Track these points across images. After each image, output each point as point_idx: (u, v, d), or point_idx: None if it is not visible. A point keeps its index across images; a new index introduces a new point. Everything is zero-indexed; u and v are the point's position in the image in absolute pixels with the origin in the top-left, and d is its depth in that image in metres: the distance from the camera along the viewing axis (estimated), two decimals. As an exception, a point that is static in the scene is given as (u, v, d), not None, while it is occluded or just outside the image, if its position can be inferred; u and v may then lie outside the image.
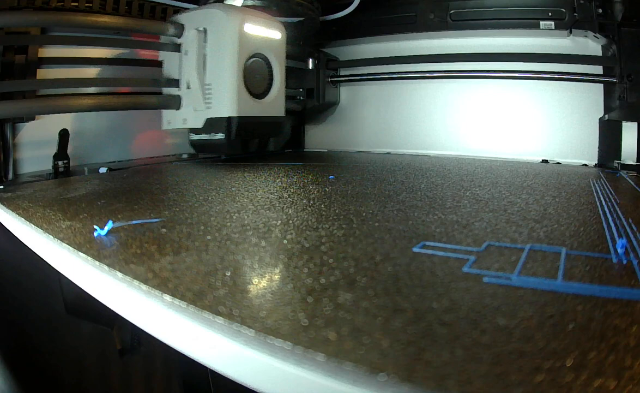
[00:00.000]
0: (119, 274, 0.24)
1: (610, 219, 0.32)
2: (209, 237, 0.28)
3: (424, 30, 0.98)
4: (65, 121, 0.72)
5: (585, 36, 0.85)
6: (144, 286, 0.22)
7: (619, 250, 0.25)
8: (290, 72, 0.94)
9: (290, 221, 0.31)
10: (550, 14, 0.86)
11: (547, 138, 0.90)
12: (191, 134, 0.74)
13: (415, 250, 0.26)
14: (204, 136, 0.72)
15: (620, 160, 0.82)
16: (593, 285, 0.21)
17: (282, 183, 0.49)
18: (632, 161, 0.81)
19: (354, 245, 0.26)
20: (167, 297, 0.21)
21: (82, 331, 0.52)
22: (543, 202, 0.37)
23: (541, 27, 0.87)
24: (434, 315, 0.18)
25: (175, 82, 0.73)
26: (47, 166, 0.69)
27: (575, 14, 0.84)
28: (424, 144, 1.01)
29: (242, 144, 0.76)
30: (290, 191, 0.43)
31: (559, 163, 0.86)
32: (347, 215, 0.33)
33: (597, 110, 0.86)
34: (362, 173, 0.58)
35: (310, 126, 1.17)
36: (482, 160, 0.82)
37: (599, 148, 0.87)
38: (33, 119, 0.72)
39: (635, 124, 0.82)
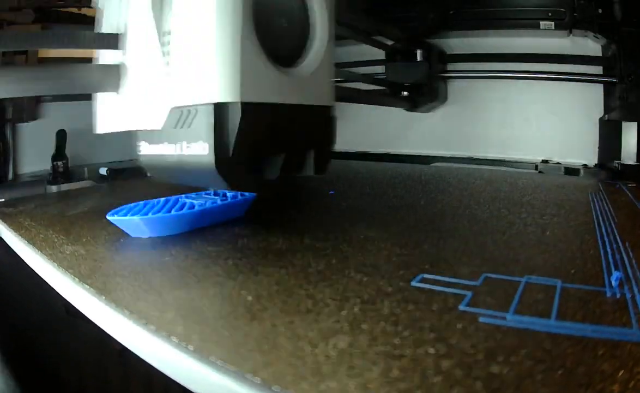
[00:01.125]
0: (127, 311, 0.25)
1: (607, 242, 0.32)
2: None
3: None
4: (64, 121, 0.72)
5: (585, 36, 0.85)
6: (152, 326, 0.23)
7: (614, 283, 0.26)
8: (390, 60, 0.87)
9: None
10: (550, 14, 0.86)
11: (547, 138, 0.90)
12: (141, 143, 0.38)
13: (414, 284, 0.26)
14: (166, 149, 0.35)
15: (620, 160, 0.82)
16: (585, 325, 0.22)
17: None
18: (632, 161, 0.81)
19: (350, 276, 0.27)
20: (174, 339, 0.21)
21: (82, 332, 0.53)
22: (541, 222, 0.38)
23: (541, 27, 0.87)
24: (431, 360, 0.19)
25: (112, 40, 0.38)
26: (47, 166, 0.69)
27: (575, 14, 0.84)
28: (425, 145, 1.01)
29: (251, 168, 0.36)
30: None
31: (558, 163, 0.87)
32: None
33: (597, 110, 0.86)
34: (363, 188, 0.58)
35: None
36: (482, 169, 0.83)
37: (599, 147, 0.87)
38: (33, 119, 0.72)
39: (635, 124, 0.82)
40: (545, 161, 0.88)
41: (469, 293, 0.25)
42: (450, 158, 0.98)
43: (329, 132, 0.42)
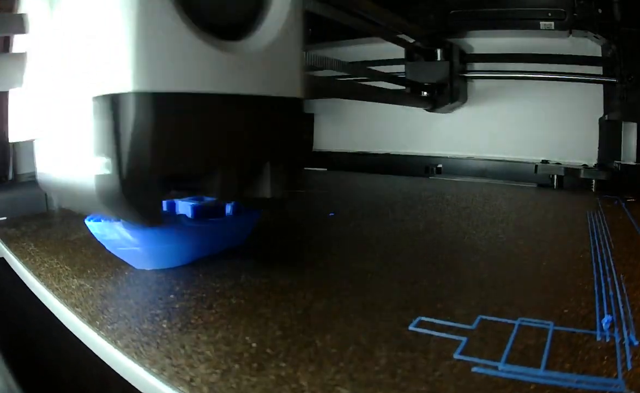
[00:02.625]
0: (135, 356, 0.26)
1: (602, 275, 0.33)
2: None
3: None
4: None
5: (585, 36, 0.85)
6: (164, 375, 0.24)
7: (604, 326, 0.26)
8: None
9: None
10: (550, 14, 0.85)
11: (547, 138, 0.91)
12: (37, 156, 0.30)
13: (411, 328, 0.27)
14: (56, 167, 0.28)
15: (620, 160, 0.83)
16: (572, 375, 0.23)
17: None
18: (632, 161, 0.82)
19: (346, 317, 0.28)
20: (184, 389, 0.23)
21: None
22: (539, 251, 0.39)
23: (541, 28, 0.87)
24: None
25: (18, 23, 0.28)
26: None
27: (575, 14, 0.84)
28: (425, 145, 1.02)
29: (163, 192, 0.30)
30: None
31: (558, 163, 0.87)
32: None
33: (597, 110, 0.86)
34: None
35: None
36: (480, 184, 0.83)
37: (599, 148, 0.87)
38: None
39: (635, 124, 0.82)
40: (545, 161, 0.88)
41: (464, 339, 0.26)
42: (450, 158, 0.98)
43: (295, 135, 0.30)
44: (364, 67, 0.91)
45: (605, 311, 0.28)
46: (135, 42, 0.21)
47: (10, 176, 0.70)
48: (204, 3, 0.23)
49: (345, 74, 0.93)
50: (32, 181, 0.67)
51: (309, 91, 0.29)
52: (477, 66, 0.94)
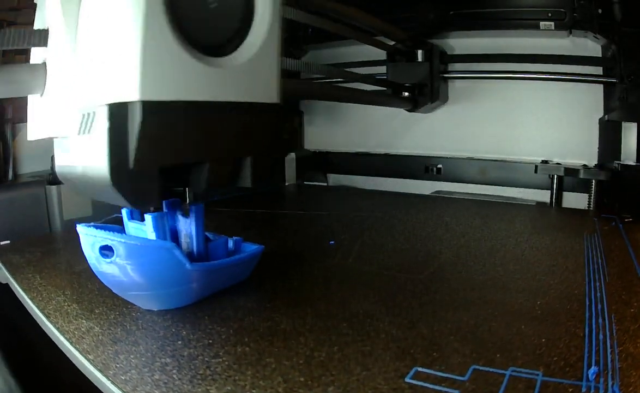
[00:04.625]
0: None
1: (594, 315, 0.34)
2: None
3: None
4: None
5: (585, 37, 0.85)
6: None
7: (590, 377, 0.28)
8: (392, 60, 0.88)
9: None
10: (550, 14, 0.85)
11: (547, 138, 0.91)
12: (56, 152, 0.36)
13: (408, 380, 0.29)
14: (73, 159, 0.32)
15: (620, 160, 0.83)
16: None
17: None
18: (632, 161, 0.82)
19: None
20: None
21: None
22: (534, 287, 0.40)
23: (541, 28, 0.86)
24: None
25: (42, 37, 0.33)
26: (47, 166, 0.70)
27: (575, 14, 0.83)
28: (425, 146, 1.02)
29: (162, 181, 0.31)
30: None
31: (558, 164, 0.88)
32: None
33: (597, 110, 0.86)
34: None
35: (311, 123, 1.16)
36: (480, 202, 0.84)
37: (599, 148, 0.87)
38: None
39: (635, 125, 0.82)
40: (545, 162, 0.89)
41: (456, 392, 0.27)
42: (450, 158, 0.99)
43: (272, 134, 0.36)
44: (343, 70, 0.91)
45: (594, 359, 0.29)
46: (141, 61, 0.27)
47: (10, 176, 0.71)
48: (196, 27, 0.29)
49: (325, 76, 0.94)
50: (32, 181, 0.69)
51: (288, 95, 0.37)
52: (477, 66, 0.94)
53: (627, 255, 0.46)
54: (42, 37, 0.33)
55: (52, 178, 0.69)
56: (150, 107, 0.27)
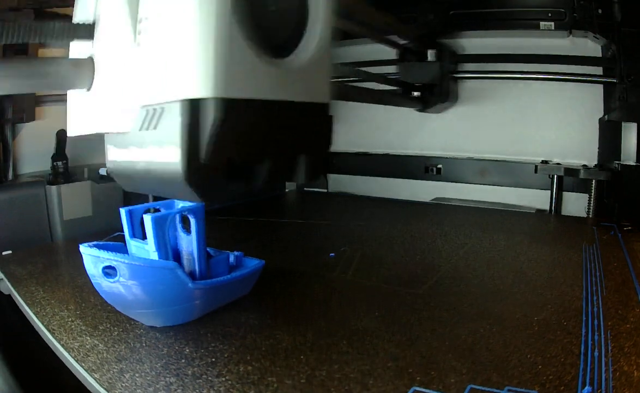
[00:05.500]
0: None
1: (590, 332, 0.35)
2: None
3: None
4: (64, 121, 0.73)
5: (585, 37, 0.84)
6: None
7: (583, 398, 0.28)
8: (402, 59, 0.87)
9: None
10: (550, 14, 0.85)
11: (547, 138, 0.91)
12: (109, 148, 0.35)
13: (407, 400, 0.29)
14: (133, 155, 0.33)
15: (620, 160, 0.83)
16: None
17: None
18: (632, 161, 0.82)
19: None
20: None
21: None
22: (533, 301, 0.40)
23: (541, 28, 0.86)
24: None
25: (84, 31, 0.34)
26: (47, 166, 0.71)
27: (575, 14, 0.83)
28: (425, 146, 1.03)
29: (230, 177, 0.32)
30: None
31: (558, 164, 0.88)
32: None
33: (597, 110, 0.86)
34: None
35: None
36: (479, 211, 0.85)
37: (599, 148, 0.88)
38: (33, 119, 0.73)
39: (635, 125, 0.83)
40: (545, 162, 0.89)
41: (455, 415, 0.28)
42: (450, 158, 0.99)
43: (324, 133, 0.37)
44: (354, 68, 0.91)
45: (588, 378, 0.30)
46: (215, 60, 0.28)
47: (10, 176, 0.71)
48: (259, 27, 0.30)
49: (336, 75, 0.93)
50: (32, 181, 0.69)
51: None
52: (477, 66, 0.94)
53: (625, 266, 0.47)
54: (88, 31, 0.33)
55: (52, 178, 0.69)
56: (222, 104, 0.28)
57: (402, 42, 0.91)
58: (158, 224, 0.37)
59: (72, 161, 0.72)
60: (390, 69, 0.95)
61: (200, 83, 0.28)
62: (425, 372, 0.32)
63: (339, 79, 0.96)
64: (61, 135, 0.70)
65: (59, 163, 0.70)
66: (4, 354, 0.45)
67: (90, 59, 0.34)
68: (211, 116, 0.28)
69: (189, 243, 0.40)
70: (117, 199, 0.72)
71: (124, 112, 0.32)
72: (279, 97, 0.32)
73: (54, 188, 0.68)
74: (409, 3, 0.94)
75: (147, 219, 0.37)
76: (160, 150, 0.29)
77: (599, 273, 0.45)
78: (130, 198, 0.73)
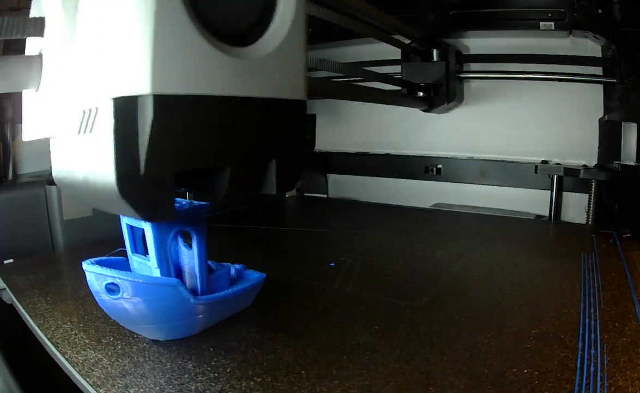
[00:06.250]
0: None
1: (587, 347, 0.35)
2: None
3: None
4: None
5: (585, 37, 0.84)
6: None
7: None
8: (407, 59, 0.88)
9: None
10: (550, 14, 0.85)
11: (547, 138, 0.91)
12: (53, 154, 0.33)
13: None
14: (72, 164, 0.30)
15: (620, 160, 0.83)
16: None
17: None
18: (632, 161, 0.82)
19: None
20: None
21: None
22: (530, 313, 0.41)
23: (541, 28, 0.86)
24: None
25: (37, 26, 0.30)
26: (47, 166, 0.71)
27: (575, 14, 0.83)
28: (424, 146, 1.03)
29: (175, 188, 0.28)
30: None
31: (558, 164, 0.88)
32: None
33: (597, 110, 0.86)
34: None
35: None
36: (479, 217, 0.85)
37: (598, 148, 0.88)
38: None
39: (635, 125, 0.83)
40: (545, 162, 0.89)
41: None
42: (450, 158, 0.99)
43: (297, 136, 0.32)
44: (360, 68, 0.91)
45: (584, 395, 0.31)
46: (153, 49, 0.23)
47: (10, 176, 0.72)
48: (214, 11, 0.25)
49: (342, 75, 0.93)
50: (32, 181, 0.69)
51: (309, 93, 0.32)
52: (477, 66, 0.94)
53: (624, 277, 0.47)
54: (37, 26, 0.29)
55: (52, 178, 0.69)
56: (163, 102, 0.24)
57: (407, 41, 0.90)
58: (160, 240, 0.38)
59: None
60: (396, 69, 0.95)
61: (133, 77, 0.23)
62: (424, 388, 0.32)
63: (344, 79, 0.96)
64: (61, 135, 0.70)
65: (59, 163, 0.71)
66: (4, 354, 0.46)
67: (39, 57, 0.30)
68: (148, 117, 0.24)
69: (190, 258, 0.40)
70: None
71: (64, 115, 0.28)
72: (238, 93, 0.27)
73: (54, 188, 0.67)
74: (409, 3, 0.94)
75: (149, 235, 0.38)
76: (94, 158, 0.25)
77: (597, 284, 0.46)
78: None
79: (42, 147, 0.71)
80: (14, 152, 0.73)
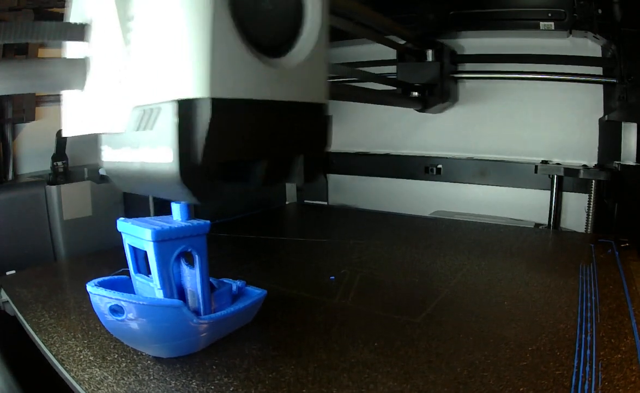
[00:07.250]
0: None
1: (582, 363, 0.36)
2: None
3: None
4: None
5: (585, 37, 0.84)
6: None
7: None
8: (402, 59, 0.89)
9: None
10: (550, 14, 0.84)
11: (547, 138, 0.91)
12: (104, 148, 0.35)
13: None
14: (128, 156, 0.32)
15: (620, 161, 0.84)
16: None
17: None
18: (632, 161, 0.83)
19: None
20: None
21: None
22: (527, 329, 0.41)
23: (541, 28, 0.86)
24: None
25: (78, 31, 0.33)
26: (47, 166, 0.71)
27: (575, 14, 0.82)
28: (425, 146, 1.03)
29: (225, 177, 0.34)
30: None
31: (558, 164, 0.88)
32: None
33: (597, 110, 0.87)
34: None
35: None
36: (479, 226, 0.85)
37: (598, 148, 0.88)
38: (33, 119, 0.73)
39: (635, 125, 0.83)
40: (545, 162, 0.89)
41: None
42: (450, 158, 0.99)
43: (321, 133, 0.37)
44: (354, 69, 0.91)
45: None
46: (211, 60, 0.28)
47: (10, 176, 0.72)
48: (256, 29, 0.30)
49: (337, 75, 0.94)
50: (32, 181, 0.70)
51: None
52: (476, 66, 0.94)
53: (621, 289, 0.48)
54: (81, 32, 0.33)
55: (52, 178, 0.70)
56: (218, 105, 0.28)
57: (401, 42, 0.90)
58: (162, 261, 0.38)
59: (72, 161, 0.73)
60: (390, 69, 0.95)
61: (194, 83, 0.28)
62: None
63: (339, 79, 0.96)
64: (61, 135, 0.70)
65: (59, 163, 0.71)
66: (4, 354, 0.46)
67: (83, 60, 0.33)
68: (205, 116, 0.28)
69: (193, 277, 0.41)
70: (117, 199, 0.73)
71: (117, 113, 0.32)
72: (274, 98, 0.32)
73: (54, 188, 0.68)
74: (409, 2, 0.93)
75: (152, 256, 0.38)
76: (155, 151, 0.29)
77: (595, 298, 0.46)
78: (129, 199, 0.75)
79: (42, 147, 0.72)
80: (14, 152, 0.73)
